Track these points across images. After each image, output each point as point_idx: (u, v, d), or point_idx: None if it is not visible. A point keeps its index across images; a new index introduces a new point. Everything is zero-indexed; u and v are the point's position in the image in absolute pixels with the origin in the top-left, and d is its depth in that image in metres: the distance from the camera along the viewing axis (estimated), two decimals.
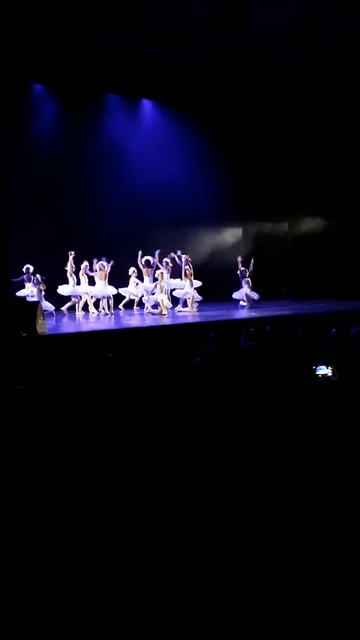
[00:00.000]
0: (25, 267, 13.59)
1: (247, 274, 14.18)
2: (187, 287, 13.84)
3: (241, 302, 14.30)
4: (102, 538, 2.45)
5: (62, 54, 13.66)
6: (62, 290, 13.72)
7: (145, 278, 14.02)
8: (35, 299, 12.39)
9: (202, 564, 2.29)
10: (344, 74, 14.63)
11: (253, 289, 14.36)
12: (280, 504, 2.60)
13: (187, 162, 16.67)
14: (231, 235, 18.05)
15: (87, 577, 2.27)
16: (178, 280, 14.22)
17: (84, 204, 15.44)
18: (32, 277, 13.44)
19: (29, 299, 12.65)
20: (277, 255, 16.64)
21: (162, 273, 13.58)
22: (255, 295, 14.32)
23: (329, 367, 3.91)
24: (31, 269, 13.57)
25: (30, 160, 14.72)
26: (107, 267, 13.65)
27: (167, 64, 14.77)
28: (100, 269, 13.62)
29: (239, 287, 14.46)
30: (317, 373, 3.92)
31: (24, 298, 12.64)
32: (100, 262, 13.66)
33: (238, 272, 14.31)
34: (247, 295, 14.19)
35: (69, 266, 13.56)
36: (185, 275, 13.82)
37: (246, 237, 17.88)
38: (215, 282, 14.36)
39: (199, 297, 14.15)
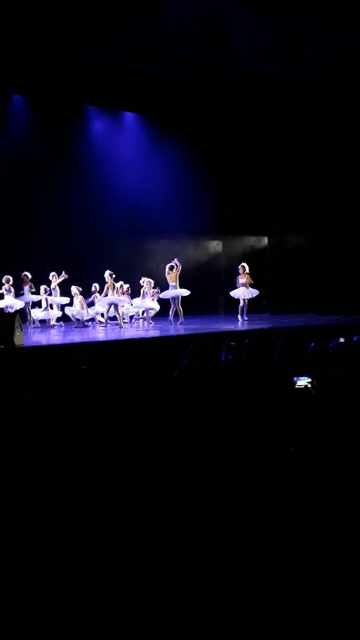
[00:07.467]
0: (5, 277, 13.39)
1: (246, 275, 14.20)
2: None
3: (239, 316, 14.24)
4: (75, 555, 2.39)
5: (44, 66, 13.64)
6: (37, 314, 13.59)
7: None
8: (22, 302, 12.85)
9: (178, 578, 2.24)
10: (324, 90, 14.80)
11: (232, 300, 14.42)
12: (257, 514, 2.56)
13: (168, 175, 16.70)
14: (211, 248, 18.08)
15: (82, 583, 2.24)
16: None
17: (62, 216, 15.36)
18: (11, 287, 13.31)
19: (8, 310, 12.56)
20: (257, 269, 16.68)
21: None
22: (254, 293, 14.29)
23: (308, 379, 3.89)
24: (11, 279, 13.37)
25: (7, 169, 14.64)
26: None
27: (149, 78, 14.81)
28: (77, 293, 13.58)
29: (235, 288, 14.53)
30: (296, 385, 3.90)
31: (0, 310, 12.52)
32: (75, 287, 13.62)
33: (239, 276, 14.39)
34: (244, 294, 14.18)
35: (43, 288, 13.57)
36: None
37: (226, 250, 17.92)
38: (195, 295, 14.32)
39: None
